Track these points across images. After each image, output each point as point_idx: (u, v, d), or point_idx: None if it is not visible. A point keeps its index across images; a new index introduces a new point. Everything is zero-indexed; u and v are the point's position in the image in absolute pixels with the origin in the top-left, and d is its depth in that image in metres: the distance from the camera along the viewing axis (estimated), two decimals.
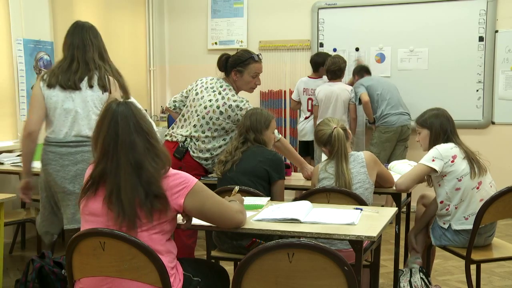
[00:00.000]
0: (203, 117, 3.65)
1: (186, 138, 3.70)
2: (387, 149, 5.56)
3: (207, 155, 3.69)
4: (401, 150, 5.71)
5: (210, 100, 3.65)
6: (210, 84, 3.73)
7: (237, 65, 3.67)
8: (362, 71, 5.88)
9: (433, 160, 3.20)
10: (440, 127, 3.29)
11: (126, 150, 2.06)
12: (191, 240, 3.66)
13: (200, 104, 3.67)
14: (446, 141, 3.27)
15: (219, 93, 3.67)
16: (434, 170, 3.20)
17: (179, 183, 2.13)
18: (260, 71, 3.72)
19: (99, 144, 2.09)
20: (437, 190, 3.29)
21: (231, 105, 3.62)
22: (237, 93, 3.73)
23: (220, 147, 3.70)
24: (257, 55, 3.74)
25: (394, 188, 3.38)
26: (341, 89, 5.68)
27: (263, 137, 3.38)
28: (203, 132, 3.67)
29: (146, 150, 2.08)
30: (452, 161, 3.19)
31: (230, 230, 2.39)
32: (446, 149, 3.22)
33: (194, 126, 3.67)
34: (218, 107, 3.62)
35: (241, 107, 3.60)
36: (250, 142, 3.35)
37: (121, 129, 2.06)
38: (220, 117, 3.63)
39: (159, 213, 2.09)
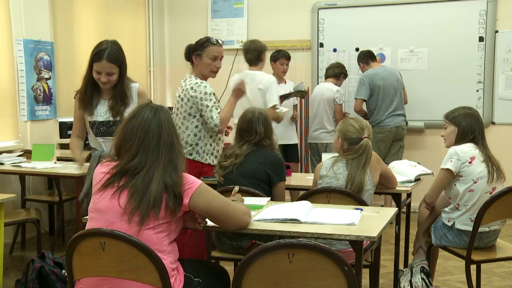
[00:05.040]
0: (175, 112, 3.90)
1: None
2: (381, 149, 5.56)
3: (190, 149, 3.81)
4: (396, 150, 5.70)
5: (178, 95, 3.88)
6: (179, 83, 3.93)
7: (196, 49, 3.84)
8: (366, 57, 5.78)
9: (450, 161, 3.19)
10: (468, 127, 3.25)
11: (166, 149, 2.17)
12: (203, 240, 3.64)
13: (174, 104, 3.94)
14: (471, 141, 3.24)
15: (180, 86, 3.88)
16: (450, 171, 3.18)
17: (184, 183, 2.16)
18: (219, 54, 3.83)
19: (138, 140, 2.15)
20: (451, 189, 3.26)
21: (187, 89, 3.78)
22: (201, 79, 3.83)
23: (195, 135, 3.81)
24: (216, 39, 3.87)
25: (396, 188, 3.40)
26: (326, 88, 5.73)
27: (273, 140, 3.40)
28: (179, 127, 3.82)
29: (179, 153, 2.21)
30: (470, 162, 3.16)
31: (231, 230, 2.39)
32: (464, 150, 3.20)
33: (176, 124, 3.77)
34: (179, 96, 3.85)
35: (195, 89, 3.74)
36: (259, 146, 3.34)
37: (165, 130, 2.19)
38: (182, 103, 3.81)
39: (166, 212, 2.11)
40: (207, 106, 3.70)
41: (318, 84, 6.35)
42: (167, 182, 2.11)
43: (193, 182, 2.18)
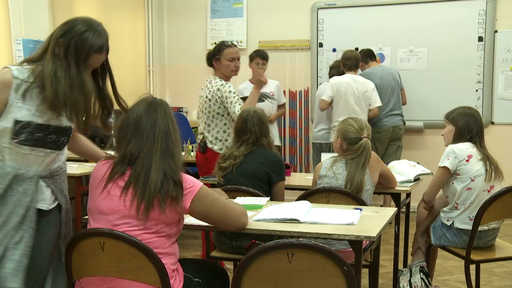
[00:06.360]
0: (202, 111, 4.17)
1: (202, 135, 4.16)
2: (379, 149, 5.55)
3: (220, 144, 4.10)
4: (394, 150, 5.70)
5: (205, 96, 4.13)
6: (204, 84, 4.22)
7: (214, 55, 4.17)
8: (366, 56, 5.78)
9: (447, 159, 3.20)
10: (466, 126, 3.27)
11: (162, 136, 2.17)
12: None
13: (201, 103, 4.19)
14: (469, 141, 3.26)
15: (206, 87, 4.15)
16: (448, 169, 3.20)
17: (186, 186, 2.15)
18: (235, 55, 4.16)
19: (133, 126, 2.16)
20: (449, 187, 3.27)
21: (213, 90, 4.06)
22: (225, 80, 4.14)
23: (224, 132, 4.11)
24: (230, 41, 4.28)
25: (396, 188, 3.40)
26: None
27: (270, 139, 3.40)
28: (208, 125, 4.13)
29: (175, 141, 2.21)
30: (467, 160, 3.18)
31: (230, 230, 2.40)
32: (461, 148, 3.21)
33: (204, 122, 4.15)
34: (206, 97, 4.11)
35: (221, 90, 4.04)
36: (258, 145, 3.34)
37: (160, 118, 2.19)
38: (210, 103, 4.08)
39: (171, 202, 2.10)
40: (231, 102, 4.01)
41: (317, 84, 6.36)
42: (166, 171, 2.12)
43: (193, 186, 2.16)
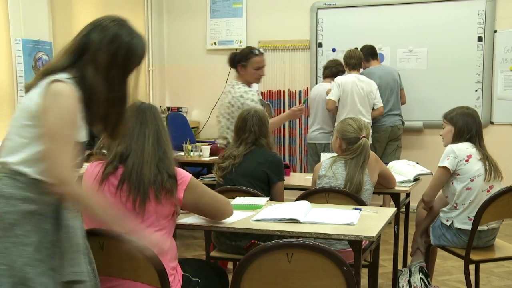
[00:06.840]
0: (224, 116, 4.17)
1: (226, 140, 4.14)
2: (377, 149, 5.55)
3: None
4: (392, 150, 5.70)
5: (228, 102, 4.14)
6: (226, 89, 4.24)
7: (241, 61, 4.15)
8: (368, 54, 5.76)
9: (447, 159, 3.20)
10: (465, 126, 3.27)
11: (153, 135, 2.20)
12: None
13: (223, 107, 4.21)
14: (468, 141, 3.26)
15: (229, 92, 4.16)
16: (447, 169, 3.20)
17: (177, 178, 2.18)
18: (261, 64, 4.18)
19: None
20: (448, 187, 3.27)
21: (237, 96, 4.08)
22: (247, 85, 4.17)
23: None
24: (257, 49, 4.24)
25: (395, 188, 3.40)
26: (324, 88, 5.68)
27: (269, 140, 3.40)
28: (232, 130, 4.01)
29: (166, 140, 2.25)
30: (467, 160, 3.18)
31: (229, 230, 2.40)
32: (461, 148, 3.21)
33: (228, 127, 4.13)
34: (229, 102, 4.12)
35: (244, 97, 4.06)
36: (257, 145, 3.34)
37: (149, 119, 2.24)
38: (232, 109, 4.08)
39: (166, 194, 2.13)
40: None
41: (317, 84, 6.35)
42: (159, 165, 2.15)
43: (184, 177, 2.21)
